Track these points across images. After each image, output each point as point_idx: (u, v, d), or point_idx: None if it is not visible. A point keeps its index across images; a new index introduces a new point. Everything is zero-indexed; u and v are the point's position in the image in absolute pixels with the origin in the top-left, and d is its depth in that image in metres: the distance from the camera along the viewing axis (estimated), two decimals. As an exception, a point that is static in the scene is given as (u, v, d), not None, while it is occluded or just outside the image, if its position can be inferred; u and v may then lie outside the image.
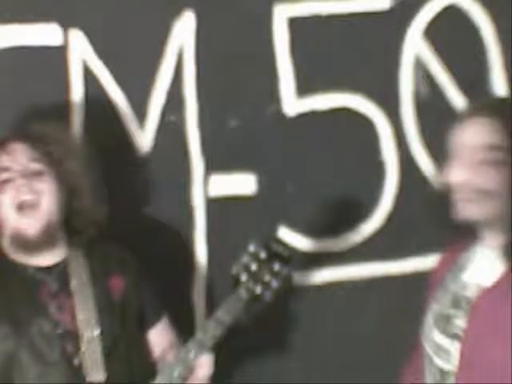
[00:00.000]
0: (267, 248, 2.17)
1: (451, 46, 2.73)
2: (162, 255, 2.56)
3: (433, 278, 2.08)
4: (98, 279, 2.21)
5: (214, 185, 2.62)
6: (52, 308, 2.14)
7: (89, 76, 2.50)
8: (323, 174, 2.69)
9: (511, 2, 2.74)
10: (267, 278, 2.15)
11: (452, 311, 1.90)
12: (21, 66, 2.46)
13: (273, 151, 2.66)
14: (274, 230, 2.64)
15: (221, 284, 2.53)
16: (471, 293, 1.88)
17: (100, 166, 2.27)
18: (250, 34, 2.62)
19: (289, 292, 2.52)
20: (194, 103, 2.58)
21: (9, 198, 2.15)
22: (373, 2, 2.69)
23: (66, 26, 2.48)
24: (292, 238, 2.65)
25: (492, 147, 1.81)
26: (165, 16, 2.55)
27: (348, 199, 2.71)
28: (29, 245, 2.17)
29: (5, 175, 2.16)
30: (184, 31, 2.56)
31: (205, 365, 2.14)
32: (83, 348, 2.12)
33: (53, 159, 2.21)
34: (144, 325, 2.30)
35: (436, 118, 2.65)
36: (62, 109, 2.48)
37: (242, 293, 2.14)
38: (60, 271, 2.20)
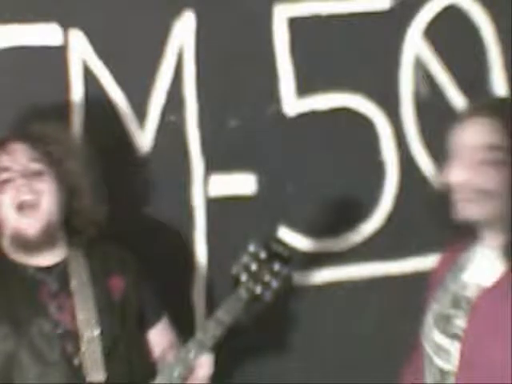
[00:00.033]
0: (267, 248, 2.17)
1: (451, 46, 2.73)
2: (162, 255, 2.56)
3: (433, 278, 2.08)
4: (98, 279, 2.21)
5: (214, 185, 2.62)
6: (52, 308, 2.14)
7: (89, 76, 2.50)
8: (323, 174, 2.69)
9: (511, 2, 2.74)
10: (267, 277, 2.15)
11: (452, 311, 1.90)
12: (21, 66, 2.46)
13: (273, 151, 2.66)
14: (273, 230, 2.64)
15: (221, 284, 2.53)
16: (471, 293, 1.88)
17: (100, 166, 2.27)
18: (249, 34, 2.62)
19: (289, 292, 2.52)
20: (194, 103, 2.58)
21: (9, 198, 2.15)
22: (373, 2, 2.69)
23: (66, 25, 2.48)
24: (292, 237, 2.65)
25: (492, 147, 1.81)
26: (165, 16, 2.55)
27: (348, 199, 2.71)
28: (29, 245, 2.17)
29: (5, 175, 2.16)
30: (184, 31, 2.56)
31: (205, 365, 2.14)
32: (83, 348, 2.12)
33: (53, 159, 2.21)
34: (144, 325, 2.30)
35: (436, 118, 2.65)
36: (62, 109, 2.48)
37: (242, 293, 2.14)
38: (60, 271, 2.20)
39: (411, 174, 2.74)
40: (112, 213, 2.26)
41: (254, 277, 2.15)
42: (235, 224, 2.63)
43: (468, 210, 1.84)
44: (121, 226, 2.35)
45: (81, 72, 2.50)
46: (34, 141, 2.20)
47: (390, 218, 2.74)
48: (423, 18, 2.72)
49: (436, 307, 1.96)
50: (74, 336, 2.13)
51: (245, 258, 2.15)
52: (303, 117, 2.67)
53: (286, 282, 2.20)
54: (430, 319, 1.96)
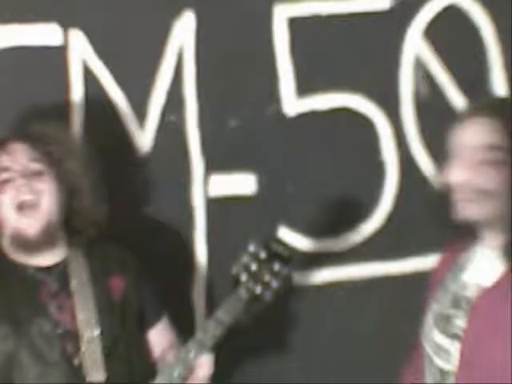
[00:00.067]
0: (267, 248, 2.17)
1: (451, 46, 2.73)
2: (162, 255, 2.56)
3: (433, 278, 2.08)
4: (98, 279, 2.21)
5: (214, 185, 2.62)
6: (52, 308, 2.14)
7: (89, 76, 2.50)
8: (323, 174, 2.69)
9: (511, 2, 2.74)
10: (267, 277, 2.15)
11: (452, 311, 1.90)
12: (21, 66, 2.46)
13: (273, 151, 2.66)
14: (273, 230, 2.64)
15: (221, 284, 2.52)
16: (471, 293, 1.88)
17: (100, 166, 2.27)
18: (250, 34, 2.62)
19: (289, 292, 2.52)
20: (194, 103, 2.58)
21: (9, 198, 2.15)
22: (373, 2, 2.69)
23: (66, 25, 2.48)
24: (292, 237, 2.65)
25: (492, 147, 1.81)
26: (165, 16, 2.55)
27: (348, 199, 2.71)
28: (29, 245, 2.17)
29: (5, 175, 2.16)
30: (184, 31, 2.56)
31: (205, 365, 2.14)
32: (83, 348, 2.12)
33: (53, 159, 2.21)
34: (144, 325, 2.30)
35: (436, 118, 2.65)
36: (62, 109, 2.48)
37: (242, 293, 2.14)
38: (60, 271, 2.20)
39: (411, 174, 2.74)
40: (112, 213, 2.26)
41: (254, 277, 2.15)
42: (235, 224, 2.63)
43: (468, 209, 1.84)
44: (121, 226, 2.35)
45: (81, 72, 2.50)
46: (34, 141, 2.20)
47: (390, 218, 2.74)
48: (423, 18, 2.72)
49: (436, 307, 1.96)
50: (74, 336, 2.12)
51: (245, 258, 2.15)
52: (303, 117, 2.67)
53: (286, 282, 2.20)
54: (430, 319, 1.96)
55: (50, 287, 2.17)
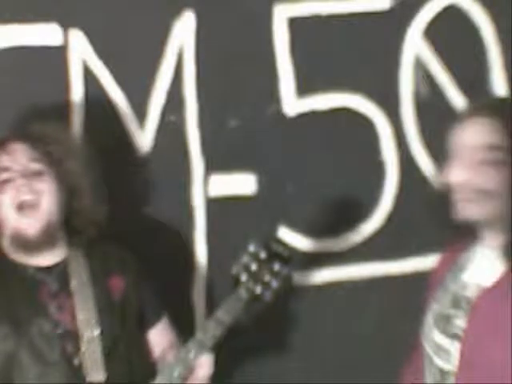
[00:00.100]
0: (267, 248, 2.17)
1: (451, 46, 2.73)
2: (162, 255, 2.56)
3: (433, 278, 2.08)
4: (98, 279, 2.21)
5: (214, 185, 2.62)
6: (52, 308, 2.14)
7: (89, 76, 2.50)
8: (323, 174, 2.69)
9: (511, 2, 2.74)
10: (267, 277, 2.15)
11: (452, 311, 1.90)
12: (21, 66, 2.46)
13: (273, 151, 2.66)
14: (274, 230, 2.64)
15: (221, 284, 2.52)
16: (471, 293, 1.88)
17: (100, 166, 2.27)
18: (250, 34, 2.62)
19: (289, 292, 2.52)
20: (194, 103, 2.58)
21: (9, 198, 2.15)
22: (373, 2, 2.69)
23: (66, 25, 2.48)
24: (292, 237, 2.65)
25: (492, 147, 1.81)
26: (165, 16, 2.55)
27: (348, 199, 2.71)
28: (29, 245, 2.17)
29: (5, 175, 2.16)
30: (184, 31, 2.56)
31: (205, 365, 2.14)
32: (83, 348, 2.12)
33: (53, 159, 2.21)
34: (144, 325, 2.30)
35: (436, 118, 2.65)
36: (62, 109, 2.48)
37: (242, 293, 2.14)
38: (60, 271, 2.20)
39: (411, 174, 2.74)
40: (112, 213, 2.26)
41: (254, 277, 2.15)
42: (235, 224, 2.63)
43: (468, 209, 1.84)
44: (121, 226, 2.35)
45: (81, 72, 2.50)
46: (34, 141, 2.20)
47: (390, 218, 2.74)
48: (423, 18, 2.72)
49: (436, 307, 1.96)
50: (74, 336, 2.12)
51: (245, 258, 2.15)
52: (303, 117, 2.67)
53: (286, 282, 2.20)
54: (430, 319, 1.96)
55: (50, 287, 2.17)
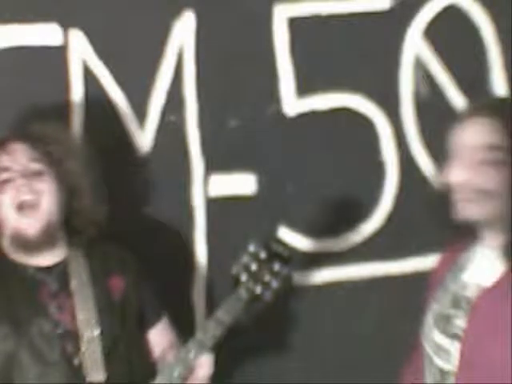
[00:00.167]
0: (267, 248, 2.17)
1: (451, 46, 2.73)
2: (162, 255, 2.56)
3: (433, 278, 2.08)
4: (98, 279, 2.21)
5: (214, 185, 2.62)
6: (52, 308, 2.14)
7: (89, 76, 2.50)
8: (323, 174, 2.69)
9: (511, 2, 2.74)
10: (267, 277, 2.15)
11: (452, 311, 1.90)
12: (21, 66, 2.46)
13: (273, 151, 2.66)
14: (274, 230, 2.64)
15: (221, 284, 2.52)
16: (471, 293, 1.88)
17: (100, 166, 2.27)
18: (250, 34, 2.62)
19: (289, 292, 2.52)
20: (194, 103, 2.58)
21: (9, 197, 2.15)
22: (373, 2, 2.69)
23: (66, 25, 2.48)
24: (292, 237, 2.65)
25: (492, 147, 1.81)
26: (165, 16, 2.55)
27: (348, 199, 2.71)
28: (29, 245, 2.17)
29: (5, 175, 2.16)
30: (184, 31, 2.56)
31: (205, 365, 2.14)
32: (83, 348, 2.12)
33: (53, 159, 2.21)
34: (144, 325, 2.30)
35: (436, 118, 2.65)
36: (62, 109, 2.48)
37: (242, 293, 2.14)
38: (60, 271, 2.20)
39: (411, 174, 2.74)
40: (112, 213, 2.26)
41: (254, 277, 2.15)
42: (235, 224, 2.63)
43: (468, 209, 1.84)
44: (121, 226, 2.35)
45: (81, 72, 2.50)
46: (34, 141, 2.20)
47: (390, 218, 2.74)
48: (423, 18, 2.72)
49: (436, 307, 1.96)
50: (74, 336, 2.12)
51: (245, 258, 2.15)
52: (303, 117, 2.67)
53: (286, 282, 2.20)
54: (430, 319, 1.96)
55: (50, 287, 2.17)
